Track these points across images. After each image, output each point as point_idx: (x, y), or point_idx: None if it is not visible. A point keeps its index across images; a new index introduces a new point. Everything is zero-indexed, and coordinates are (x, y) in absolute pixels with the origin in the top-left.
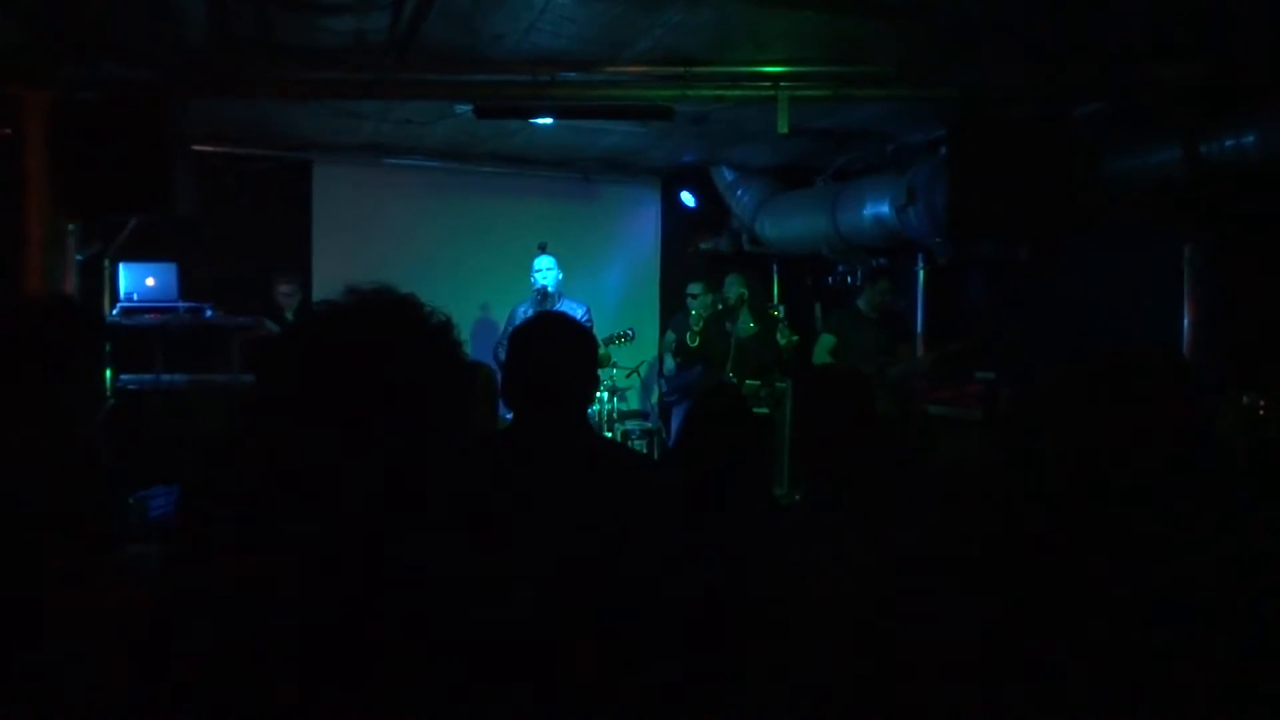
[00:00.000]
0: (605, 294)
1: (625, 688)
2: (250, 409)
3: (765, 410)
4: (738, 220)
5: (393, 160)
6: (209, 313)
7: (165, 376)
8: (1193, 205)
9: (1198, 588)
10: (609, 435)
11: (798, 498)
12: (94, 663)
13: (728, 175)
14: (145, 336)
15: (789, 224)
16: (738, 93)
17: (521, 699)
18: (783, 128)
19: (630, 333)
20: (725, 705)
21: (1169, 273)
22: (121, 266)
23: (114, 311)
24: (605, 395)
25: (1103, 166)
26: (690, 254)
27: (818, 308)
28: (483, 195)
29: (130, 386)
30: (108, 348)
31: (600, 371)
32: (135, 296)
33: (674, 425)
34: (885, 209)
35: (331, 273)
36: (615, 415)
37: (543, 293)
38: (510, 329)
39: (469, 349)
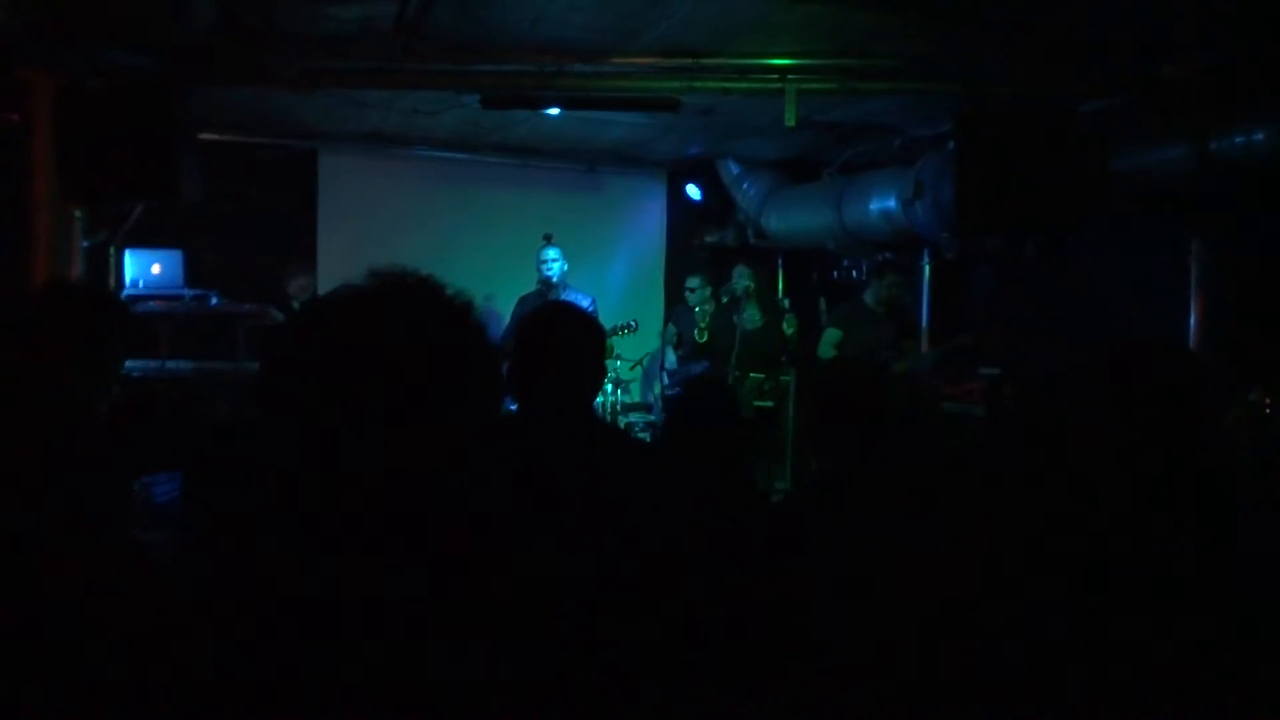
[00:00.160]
0: (610, 286)
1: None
2: (270, 392)
3: (769, 404)
4: (743, 213)
5: (398, 150)
6: (214, 300)
7: (170, 363)
8: (1201, 202)
9: (1209, 584)
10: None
11: (799, 487)
12: (101, 650)
13: (733, 168)
14: (150, 323)
15: (794, 218)
16: (745, 85)
17: (551, 683)
18: (790, 120)
19: (634, 324)
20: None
21: (1176, 269)
22: (127, 253)
23: (111, 291)
24: (609, 387)
25: (1111, 162)
26: (695, 247)
27: (822, 302)
28: (488, 186)
29: (135, 373)
30: (126, 335)
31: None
32: (141, 283)
33: None
34: (892, 203)
35: (337, 261)
36: (619, 407)
37: (548, 283)
38: (516, 320)
39: None
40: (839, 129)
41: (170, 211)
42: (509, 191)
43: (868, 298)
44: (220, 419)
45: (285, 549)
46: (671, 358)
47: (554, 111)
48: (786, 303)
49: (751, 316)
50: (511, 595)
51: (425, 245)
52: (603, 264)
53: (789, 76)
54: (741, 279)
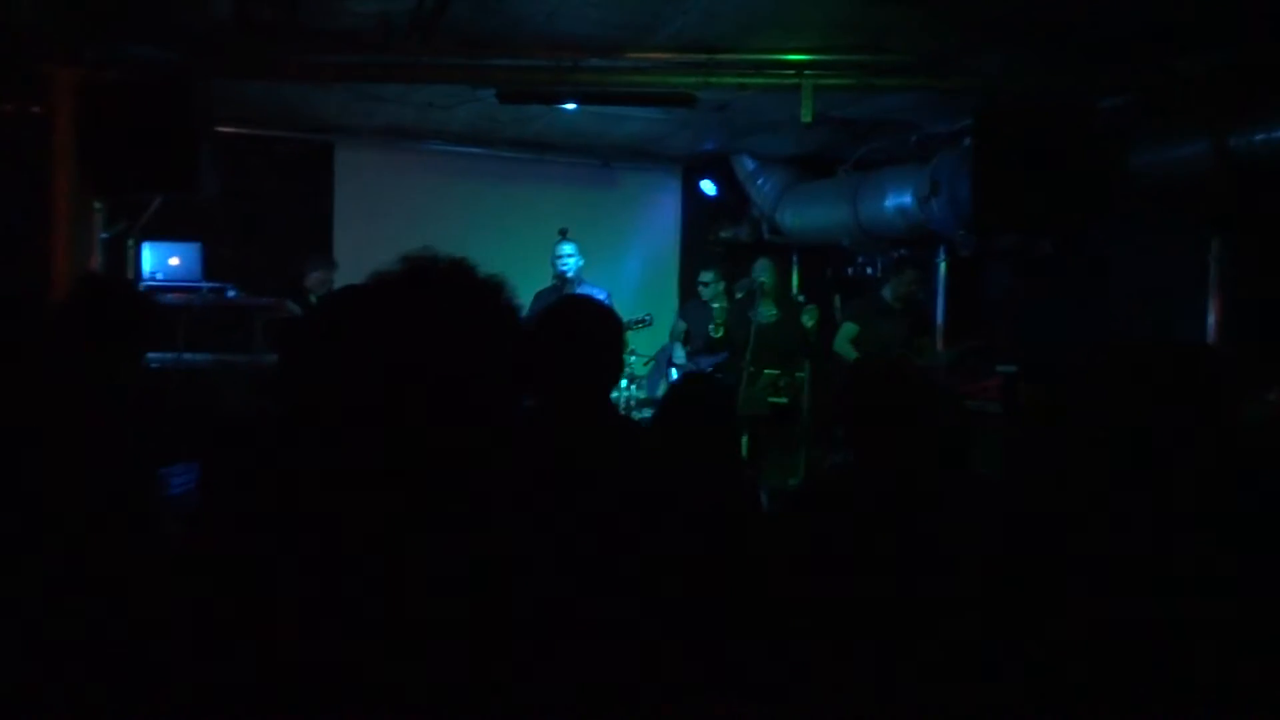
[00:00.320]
0: (624, 282)
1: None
2: (307, 377)
3: (784, 400)
4: (758, 209)
5: (414, 144)
6: (232, 293)
7: (188, 355)
8: (1220, 199)
9: (1234, 582)
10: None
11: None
12: (129, 634)
13: (749, 164)
14: (168, 315)
15: (810, 214)
16: (761, 80)
17: (574, 671)
18: (806, 117)
19: (649, 318)
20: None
21: (1194, 267)
22: (146, 246)
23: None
24: (625, 382)
25: (1129, 159)
26: (710, 243)
27: (837, 298)
28: (503, 180)
29: (153, 365)
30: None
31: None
32: (159, 276)
33: None
34: (908, 200)
35: (353, 254)
36: (634, 403)
37: (563, 279)
38: (533, 314)
39: None
40: (855, 125)
41: (188, 204)
42: (524, 186)
43: (886, 293)
44: (237, 412)
45: (299, 545)
46: (680, 353)
47: (569, 106)
48: (802, 298)
49: (767, 312)
50: (534, 585)
51: (440, 239)
52: (617, 259)
53: (805, 72)
54: (762, 272)
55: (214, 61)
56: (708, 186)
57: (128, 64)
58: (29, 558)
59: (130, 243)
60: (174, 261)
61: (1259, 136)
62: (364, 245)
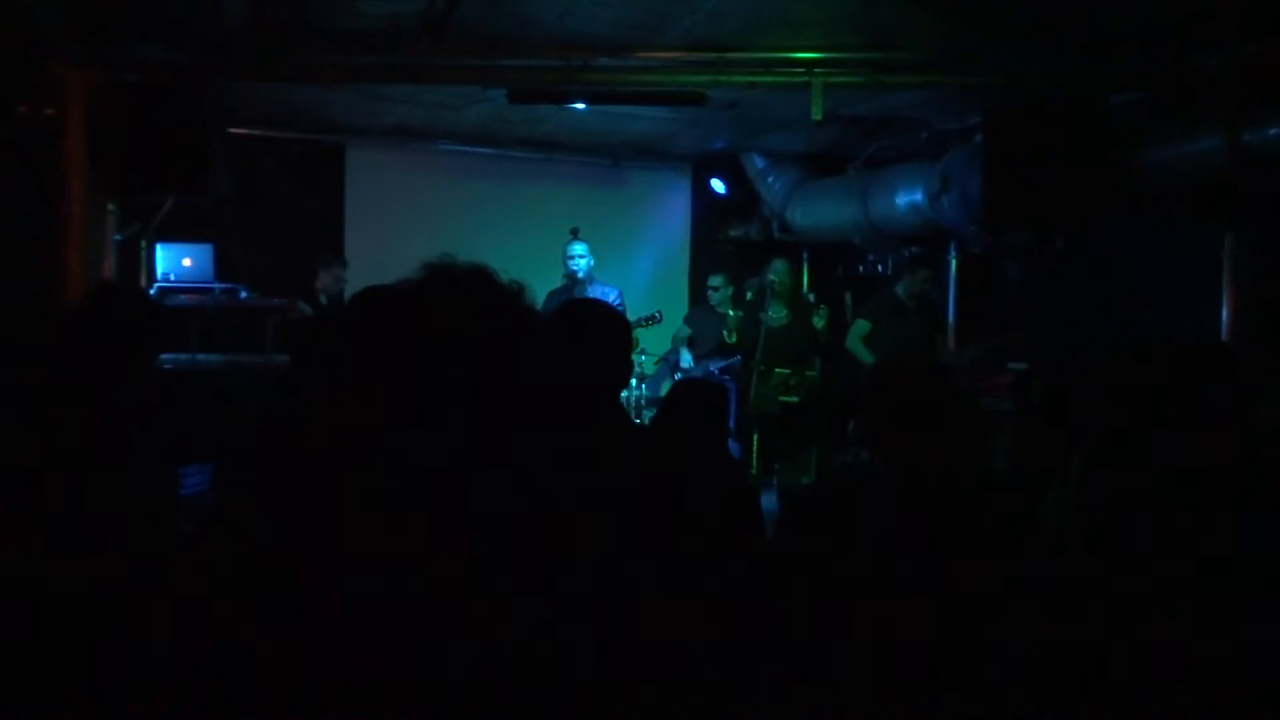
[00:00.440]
0: (634, 280)
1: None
2: (327, 379)
3: (795, 399)
4: (768, 208)
5: (424, 144)
6: (244, 294)
7: (200, 356)
8: (1234, 195)
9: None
10: (637, 423)
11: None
12: (148, 633)
13: (758, 162)
14: (181, 316)
15: (820, 212)
16: (771, 79)
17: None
18: (816, 114)
19: (658, 315)
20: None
21: (1208, 264)
22: (158, 247)
23: (150, 291)
24: (634, 382)
25: (1142, 155)
26: (720, 241)
27: (848, 296)
28: (513, 180)
29: (166, 366)
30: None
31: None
32: (172, 277)
33: None
34: (919, 197)
35: (364, 255)
36: (643, 402)
37: (573, 278)
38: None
39: None
40: (865, 122)
41: (200, 205)
42: (534, 186)
43: (899, 291)
44: (251, 413)
45: (316, 541)
46: (687, 357)
47: (579, 106)
48: (812, 297)
49: (777, 314)
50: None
51: (451, 239)
52: (627, 258)
53: (815, 70)
54: (775, 272)
55: (225, 63)
56: (717, 185)
57: (140, 66)
58: (44, 555)
59: (143, 244)
60: (187, 263)
61: (1273, 132)
62: (375, 245)
